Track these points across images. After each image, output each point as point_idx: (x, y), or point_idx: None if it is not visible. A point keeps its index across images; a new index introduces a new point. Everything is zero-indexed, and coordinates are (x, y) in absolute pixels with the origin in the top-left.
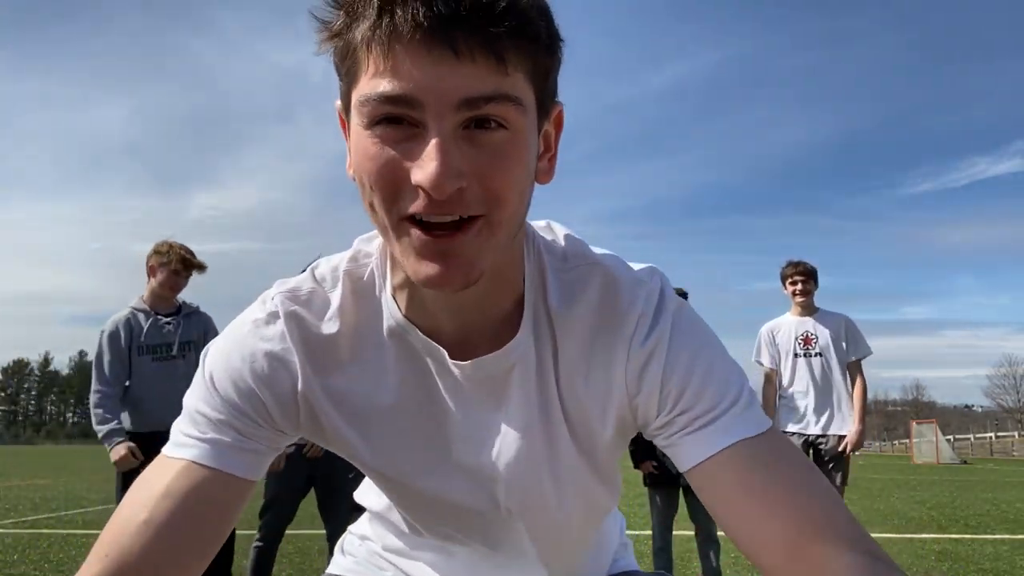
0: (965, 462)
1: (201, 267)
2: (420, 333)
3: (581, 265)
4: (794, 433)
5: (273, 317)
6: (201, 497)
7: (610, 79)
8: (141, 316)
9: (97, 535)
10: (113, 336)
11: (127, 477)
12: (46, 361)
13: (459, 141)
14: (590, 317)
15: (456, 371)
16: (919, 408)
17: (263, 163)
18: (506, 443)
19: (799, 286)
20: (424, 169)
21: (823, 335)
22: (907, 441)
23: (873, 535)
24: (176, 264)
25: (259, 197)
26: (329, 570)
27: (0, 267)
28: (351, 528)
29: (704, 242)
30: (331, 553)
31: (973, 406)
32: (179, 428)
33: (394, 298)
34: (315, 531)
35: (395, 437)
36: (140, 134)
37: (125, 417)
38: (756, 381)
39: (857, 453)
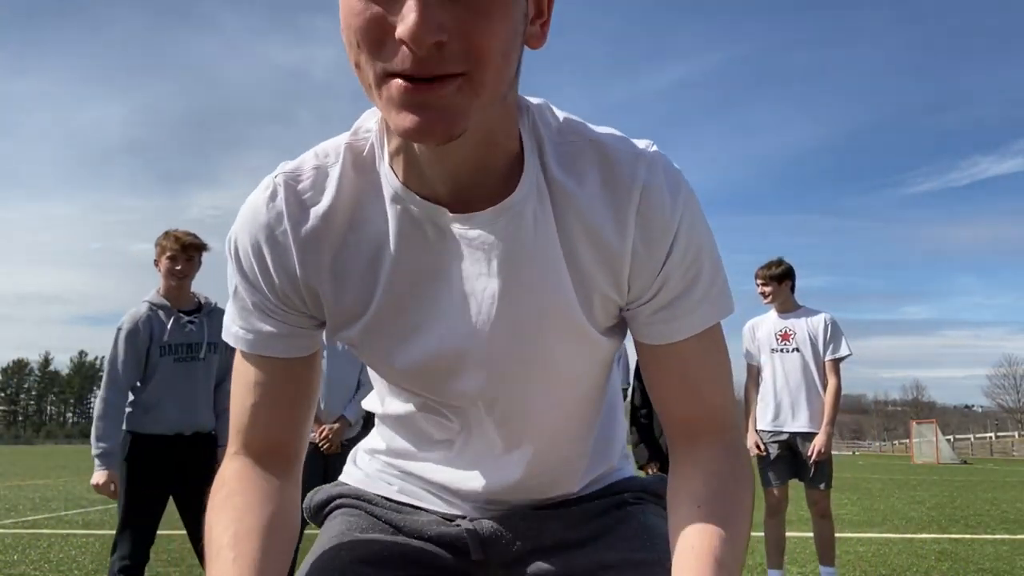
0: (965, 462)
1: (201, 246)
2: (418, 197)
3: (578, 139)
4: (770, 431)
5: (272, 198)
6: (278, 379)
7: (611, 78)
8: (162, 313)
9: (97, 535)
10: (131, 334)
11: (131, 474)
12: (46, 361)
13: None
14: (593, 190)
15: (455, 228)
16: (919, 408)
17: (263, 163)
18: (504, 301)
19: (759, 289)
20: (405, 21)
21: (801, 331)
22: (907, 441)
23: (873, 535)
24: (173, 248)
25: None
26: (341, 478)
27: (0, 267)
28: (361, 444)
29: None
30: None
31: (973, 406)
32: (230, 314)
33: (391, 167)
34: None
35: (394, 302)
36: (140, 133)
37: (134, 418)
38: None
39: (857, 453)
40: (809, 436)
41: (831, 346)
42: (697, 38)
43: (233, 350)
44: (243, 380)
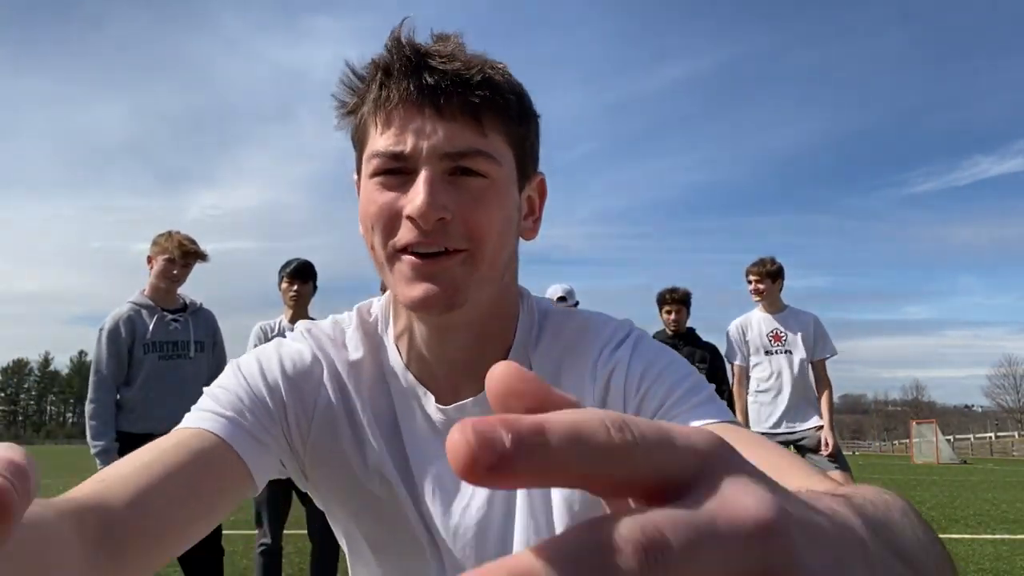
0: (965, 462)
1: (201, 256)
2: (412, 377)
3: (561, 313)
4: (765, 433)
5: (300, 337)
6: (205, 463)
7: (611, 78)
8: (145, 312)
9: None
10: (112, 334)
11: None
12: (46, 361)
13: (445, 183)
14: (560, 353)
15: (438, 416)
16: (919, 408)
17: (263, 163)
18: (477, 495)
19: (751, 285)
20: (413, 202)
21: (792, 332)
22: (907, 441)
23: None
24: (173, 251)
25: (259, 197)
26: None
27: (0, 267)
28: None
29: (704, 242)
30: (314, 547)
31: (973, 406)
32: (196, 405)
33: (396, 345)
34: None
35: (380, 477)
36: (140, 133)
37: (122, 418)
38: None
39: (857, 453)
40: (804, 435)
41: (819, 346)
42: (697, 37)
43: (223, 347)
44: (164, 444)
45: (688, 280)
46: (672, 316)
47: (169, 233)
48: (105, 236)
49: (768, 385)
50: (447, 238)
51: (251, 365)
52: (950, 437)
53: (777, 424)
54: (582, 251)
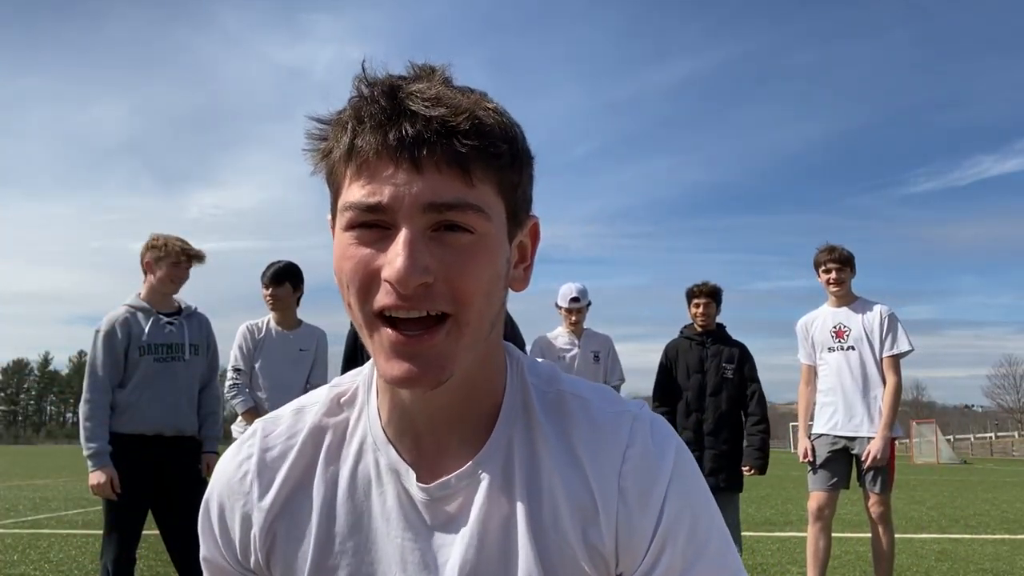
0: (965, 462)
1: (200, 257)
2: (392, 449)
3: (565, 390)
4: (822, 435)
5: (245, 442)
6: None
7: (611, 77)
8: (141, 315)
9: (97, 535)
10: (109, 336)
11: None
12: (46, 361)
13: (428, 241)
14: (574, 445)
15: (420, 495)
16: (919, 408)
17: (263, 162)
18: (459, 568)
19: (833, 275)
20: (392, 264)
21: (856, 326)
22: (907, 441)
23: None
24: (178, 256)
25: (259, 196)
26: None
27: (0, 267)
28: None
29: (704, 242)
30: None
31: (973, 406)
32: None
33: (378, 406)
34: None
35: (347, 560)
36: (140, 132)
37: (114, 419)
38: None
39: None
40: (864, 441)
41: (888, 341)
42: (699, 36)
43: (217, 351)
44: None
45: (688, 279)
46: (700, 309)
47: (165, 237)
48: (105, 236)
49: (827, 385)
50: (430, 302)
51: (206, 526)
52: (950, 437)
53: (830, 425)
54: (582, 251)
